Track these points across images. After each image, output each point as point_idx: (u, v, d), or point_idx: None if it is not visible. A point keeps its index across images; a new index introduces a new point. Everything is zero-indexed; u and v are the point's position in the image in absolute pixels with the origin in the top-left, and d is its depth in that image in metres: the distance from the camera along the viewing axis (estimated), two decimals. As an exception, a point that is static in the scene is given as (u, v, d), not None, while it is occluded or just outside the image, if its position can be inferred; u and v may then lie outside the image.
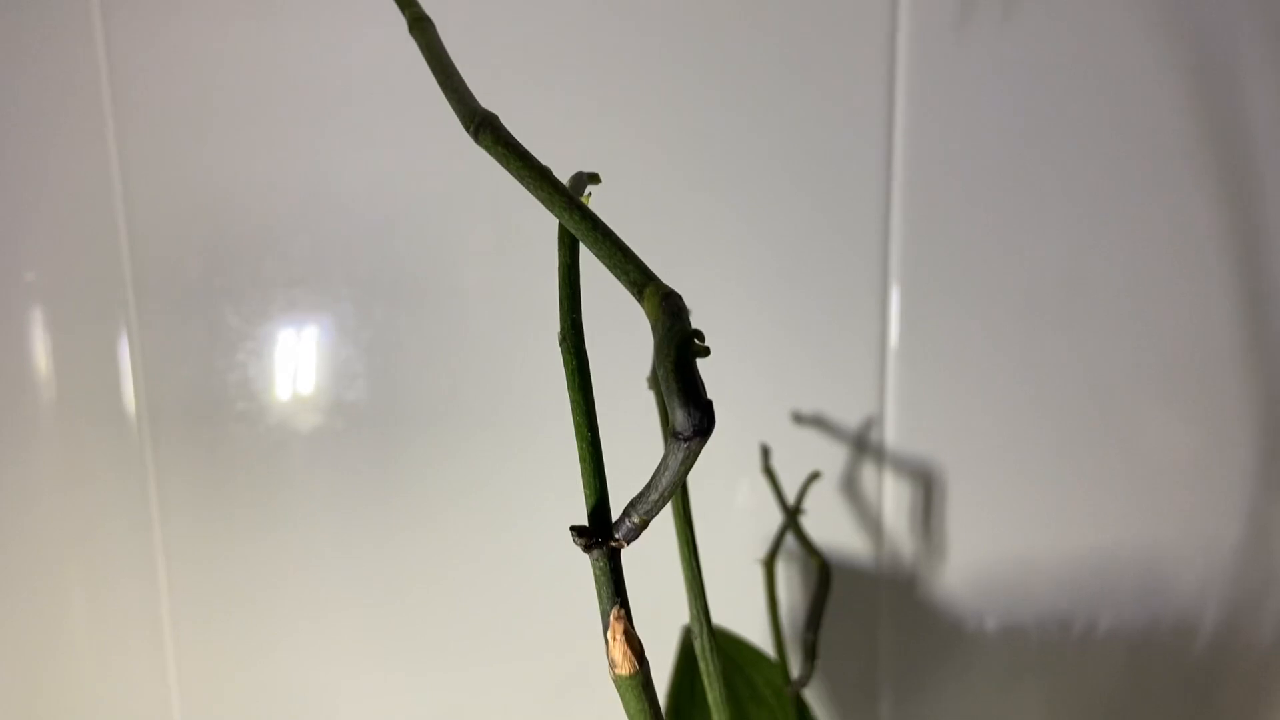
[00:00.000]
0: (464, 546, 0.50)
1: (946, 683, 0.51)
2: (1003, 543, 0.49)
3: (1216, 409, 0.47)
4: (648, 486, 0.17)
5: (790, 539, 0.47)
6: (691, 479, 0.40)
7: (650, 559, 0.38)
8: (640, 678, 0.17)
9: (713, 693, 0.25)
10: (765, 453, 0.47)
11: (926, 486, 0.49)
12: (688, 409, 0.16)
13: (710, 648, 0.26)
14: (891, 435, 0.48)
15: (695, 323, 0.44)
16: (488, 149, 0.19)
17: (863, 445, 0.48)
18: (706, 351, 0.17)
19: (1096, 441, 0.48)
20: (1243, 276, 0.45)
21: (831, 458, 0.48)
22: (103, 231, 0.48)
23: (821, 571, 0.44)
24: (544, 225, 0.46)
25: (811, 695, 0.48)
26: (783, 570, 0.49)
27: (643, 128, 0.46)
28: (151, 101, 0.47)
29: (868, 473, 0.49)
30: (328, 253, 0.48)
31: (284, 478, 0.50)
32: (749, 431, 0.48)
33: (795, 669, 0.43)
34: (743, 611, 0.46)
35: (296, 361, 0.49)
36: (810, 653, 0.43)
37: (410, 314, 0.48)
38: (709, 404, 0.17)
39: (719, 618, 0.43)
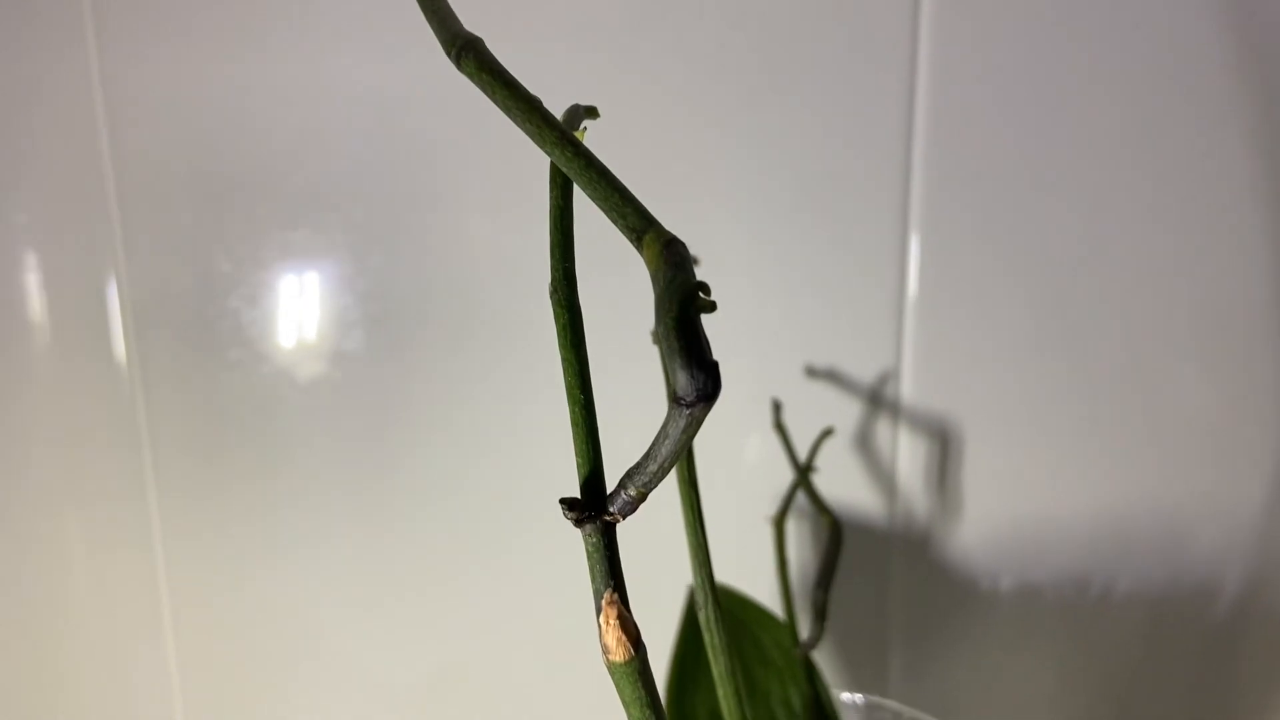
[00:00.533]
0: (463, 498, 0.49)
1: (959, 643, 0.49)
2: (1020, 501, 0.47)
3: (1243, 366, 0.45)
4: (646, 456, 0.16)
5: (801, 497, 0.45)
6: (699, 436, 0.38)
7: (657, 516, 0.37)
8: (636, 664, 0.16)
9: (718, 666, 0.24)
10: (776, 408, 0.45)
11: (943, 443, 0.47)
12: (690, 371, 0.14)
13: (715, 619, 0.24)
14: (908, 390, 0.46)
15: (702, 273, 0.42)
16: (471, 76, 0.17)
17: (878, 400, 0.46)
18: (712, 306, 0.16)
19: (1119, 398, 0.46)
20: (1276, 231, 0.43)
21: (845, 413, 0.47)
22: (90, 174, 0.46)
23: (833, 530, 0.43)
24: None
25: (820, 656, 0.47)
26: (792, 529, 0.47)
27: (646, 59, 0.44)
28: (138, 41, 0.45)
29: (882, 429, 0.47)
30: (324, 196, 0.46)
31: (279, 426, 0.49)
32: (759, 385, 0.46)
33: (804, 630, 0.42)
34: (751, 571, 0.44)
35: (291, 309, 0.47)
36: (820, 613, 0.41)
37: (410, 262, 0.46)
38: (714, 365, 0.15)
39: (726, 577, 0.42)
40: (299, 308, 0.47)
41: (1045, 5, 0.42)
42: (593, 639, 0.49)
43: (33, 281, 0.48)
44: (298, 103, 0.45)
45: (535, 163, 0.44)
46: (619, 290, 0.42)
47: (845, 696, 0.41)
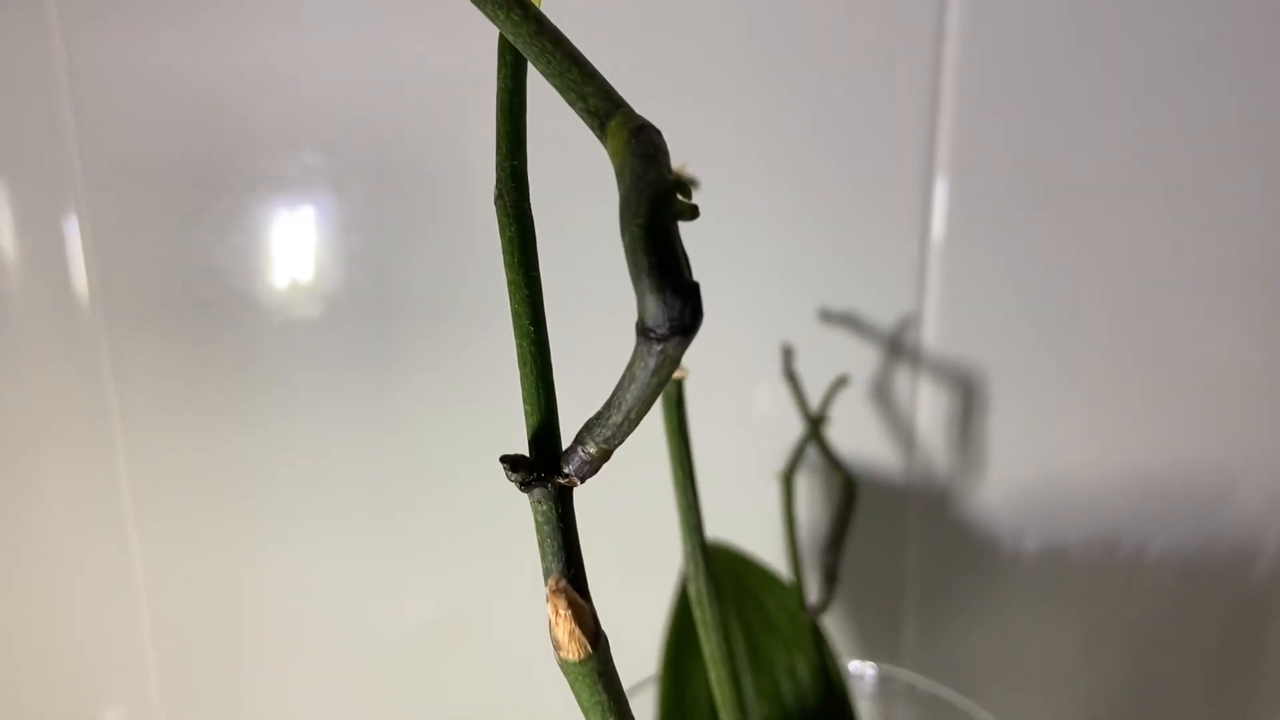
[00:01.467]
0: (452, 446, 0.46)
1: (978, 608, 0.46)
2: (1046, 457, 0.44)
3: (1290, 316, 0.41)
4: (608, 404, 0.12)
5: (812, 451, 0.42)
6: (702, 383, 0.34)
7: (648, 469, 0.34)
8: (594, 664, 0.13)
9: (709, 645, 0.21)
10: (788, 354, 0.42)
11: (966, 394, 0.43)
12: (663, 295, 0.11)
13: (707, 592, 0.21)
14: (930, 337, 0.43)
15: (706, 199, 0.39)
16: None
17: (897, 348, 0.43)
18: (693, 211, 0.12)
19: (1152, 350, 0.42)
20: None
21: (861, 361, 0.43)
22: (47, 100, 0.43)
23: (846, 487, 0.40)
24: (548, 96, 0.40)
25: (830, 622, 0.44)
26: (802, 485, 0.44)
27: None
28: None
29: (901, 378, 0.43)
30: (296, 119, 0.42)
31: (251, 365, 0.45)
32: (770, 329, 0.42)
33: (812, 593, 0.39)
34: (756, 530, 0.41)
35: (262, 243, 0.44)
36: (830, 575, 0.38)
37: (394, 192, 0.43)
38: (694, 288, 0.11)
39: (729, 536, 0.39)
40: (272, 241, 0.44)
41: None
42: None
43: None
44: (272, 22, 0.41)
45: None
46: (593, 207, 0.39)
47: (855, 666, 0.38)
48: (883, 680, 0.38)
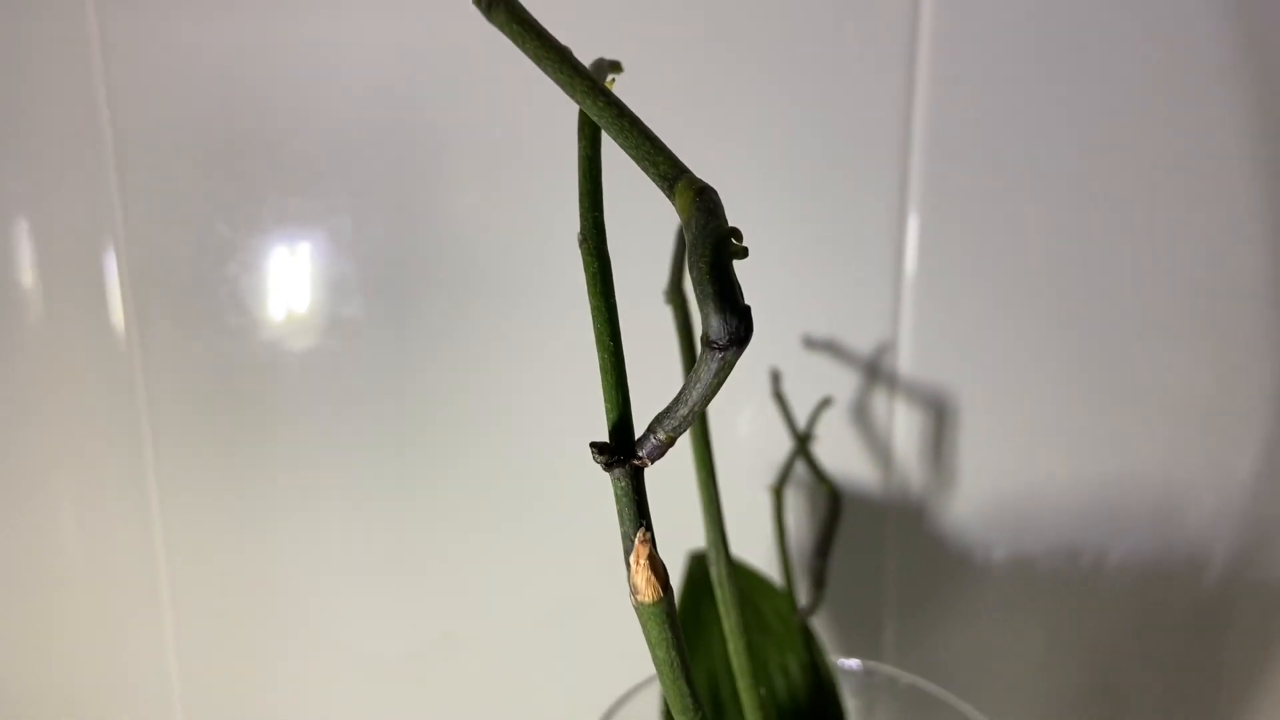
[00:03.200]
0: (466, 466, 0.49)
1: (952, 611, 0.50)
2: (1014, 473, 0.48)
3: (1235, 341, 0.45)
4: (676, 400, 0.16)
5: (799, 468, 0.46)
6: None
7: (653, 484, 0.37)
8: (664, 605, 0.16)
9: (728, 621, 0.24)
10: (775, 378, 0.46)
11: (939, 415, 0.47)
12: (724, 315, 0.15)
13: (727, 574, 0.24)
14: (905, 362, 0.47)
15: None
16: (501, 28, 0.17)
17: (875, 372, 0.47)
18: (744, 253, 0.16)
19: (1113, 372, 0.46)
20: (1269, 203, 0.44)
21: (843, 384, 0.47)
22: (89, 140, 0.46)
23: (832, 498, 0.43)
24: (558, 128, 0.44)
25: (818, 624, 0.47)
26: (791, 497, 0.48)
27: (647, 29, 0.44)
28: (138, 5, 0.45)
29: (879, 400, 0.47)
30: (323, 162, 0.46)
31: (278, 393, 0.49)
32: (758, 355, 0.46)
33: (802, 598, 0.42)
34: (748, 540, 0.45)
35: (290, 275, 0.47)
36: (818, 581, 0.42)
37: (411, 226, 0.46)
38: (747, 310, 0.15)
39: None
40: (298, 274, 0.47)
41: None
42: (586, 614, 0.50)
43: (29, 249, 0.48)
44: (298, 68, 0.45)
45: (543, 118, 0.44)
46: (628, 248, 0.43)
47: (842, 662, 0.41)
48: (867, 675, 0.41)
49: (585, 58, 0.21)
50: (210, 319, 0.48)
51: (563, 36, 0.17)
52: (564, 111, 0.24)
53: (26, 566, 0.52)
